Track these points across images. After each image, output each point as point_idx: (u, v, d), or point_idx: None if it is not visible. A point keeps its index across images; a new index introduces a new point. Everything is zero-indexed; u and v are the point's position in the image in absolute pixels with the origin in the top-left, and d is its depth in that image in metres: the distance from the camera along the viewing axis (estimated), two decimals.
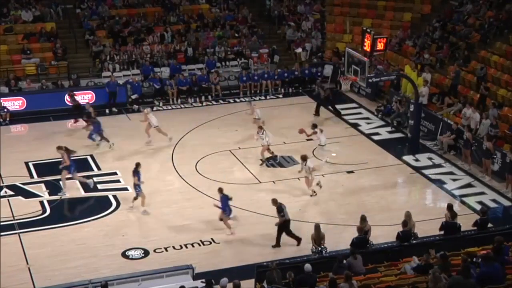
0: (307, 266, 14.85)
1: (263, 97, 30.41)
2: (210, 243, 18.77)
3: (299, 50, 33.30)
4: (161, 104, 29.37)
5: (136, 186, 20.32)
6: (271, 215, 19.12)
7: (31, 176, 22.74)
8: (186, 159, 23.95)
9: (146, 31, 33.24)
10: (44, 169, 23.00)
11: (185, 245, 18.64)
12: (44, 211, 20.57)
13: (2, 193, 21.47)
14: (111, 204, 21.02)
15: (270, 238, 18.67)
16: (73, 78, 30.49)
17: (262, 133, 23.50)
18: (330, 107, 28.75)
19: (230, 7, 35.82)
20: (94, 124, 24.94)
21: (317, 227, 17.69)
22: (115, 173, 22.91)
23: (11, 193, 21.50)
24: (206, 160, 23.81)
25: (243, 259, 17.89)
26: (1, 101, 27.71)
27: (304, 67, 32.34)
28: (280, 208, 18.47)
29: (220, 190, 19.18)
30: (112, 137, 25.36)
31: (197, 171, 23.11)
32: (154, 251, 18.44)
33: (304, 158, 21.34)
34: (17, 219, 20.00)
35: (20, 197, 21.30)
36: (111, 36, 32.71)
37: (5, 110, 27.50)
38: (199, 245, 18.75)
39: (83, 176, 21.85)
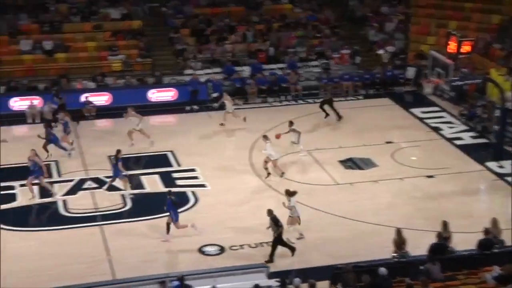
0: (382, 270, 14.65)
1: (342, 98, 30.19)
2: None
3: (382, 51, 32.89)
4: (241, 102, 29.63)
5: (120, 172, 21.23)
6: (349, 218, 18.92)
7: None
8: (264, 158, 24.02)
9: (228, 30, 33.60)
10: (126, 163, 23.58)
11: (261, 244, 18.73)
12: (125, 204, 21.10)
13: (86, 185, 22.15)
14: (189, 200, 21.37)
15: (346, 240, 18.53)
16: (156, 75, 31.16)
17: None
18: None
19: (313, 8, 35.73)
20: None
21: (398, 231, 17.35)
22: (193, 170, 23.27)
23: (95, 185, 22.16)
24: (284, 159, 23.82)
25: (318, 260, 17.81)
26: (88, 96, 28.62)
27: (386, 68, 31.91)
28: (276, 219, 17.89)
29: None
30: (191, 134, 25.77)
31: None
32: (230, 248, 18.61)
33: (290, 194, 18.89)
34: (99, 211, 20.62)
35: (103, 190, 21.88)
36: (194, 35, 33.23)
37: (92, 105, 28.39)
38: None
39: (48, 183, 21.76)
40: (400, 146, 24.95)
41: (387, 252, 17.24)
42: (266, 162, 22.52)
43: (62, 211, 20.60)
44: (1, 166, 23.05)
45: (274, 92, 30.47)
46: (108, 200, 21.19)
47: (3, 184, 21.71)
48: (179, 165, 23.83)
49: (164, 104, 29.33)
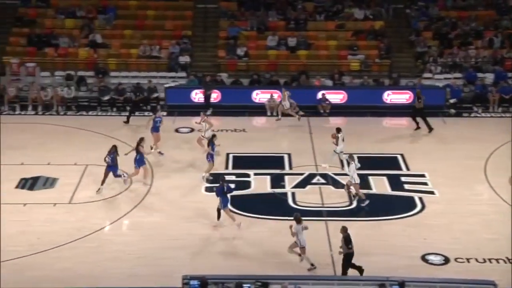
0: None
1: None
2: None
3: None
4: (480, 110, 28.31)
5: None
6: None
7: (343, 167, 23.65)
8: (501, 170, 22.79)
9: (474, 35, 32.27)
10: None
11: (489, 260, 17.82)
12: (351, 203, 21.30)
13: (315, 180, 22.71)
14: (415, 206, 20.97)
15: None
16: (393, 77, 30.93)
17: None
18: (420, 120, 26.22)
19: None
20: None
21: None
22: (423, 175, 22.79)
23: (323, 181, 22.62)
24: None
25: None
26: (324, 93, 29.25)
27: None
28: (349, 239, 16.84)
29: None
30: (424, 139, 25.19)
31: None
32: (455, 260, 17.95)
33: (298, 221, 17.51)
34: (325, 207, 21.02)
35: (330, 187, 22.26)
36: (437, 38, 32.42)
37: (327, 102, 28.99)
38: (505, 261, 17.78)
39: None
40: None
41: None
42: (348, 186, 21.08)
43: (290, 202, 21.34)
44: (240, 155, 24.46)
45: None
46: (335, 197, 21.51)
47: (240, 171, 23.07)
48: (408, 169, 23.46)
49: (398, 107, 29.04)
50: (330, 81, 30.89)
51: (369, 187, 22.02)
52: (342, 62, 31.83)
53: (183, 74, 31.04)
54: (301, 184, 22.37)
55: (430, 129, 26.28)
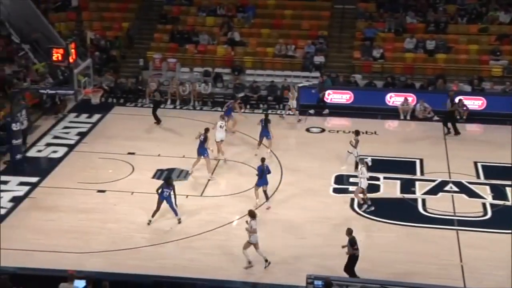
0: None
1: None
2: None
3: None
4: None
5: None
6: None
7: (478, 176, 22.80)
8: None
9: None
10: (492, 172, 22.85)
11: None
12: (485, 213, 20.47)
13: (448, 187, 22.05)
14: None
15: None
16: None
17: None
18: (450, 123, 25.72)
19: None
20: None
21: None
22: None
23: (456, 189, 21.91)
24: None
25: None
26: (462, 98, 28.27)
27: None
28: (354, 241, 16.56)
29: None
30: None
31: None
32: None
33: (252, 216, 17.42)
34: (457, 216, 20.35)
35: (463, 195, 21.55)
36: None
37: (465, 108, 28.01)
38: None
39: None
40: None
41: None
42: (363, 192, 20.34)
43: (420, 208, 20.85)
44: (373, 157, 24.20)
45: None
46: (468, 206, 20.79)
47: (370, 174, 22.82)
48: None
49: None
50: (468, 87, 29.84)
51: (506, 198, 21.18)
52: (482, 67, 30.69)
53: (317, 74, 31.11)
54: (433, 191, 21.82)
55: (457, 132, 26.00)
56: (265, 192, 20.57)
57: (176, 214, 19.53)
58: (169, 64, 31.84)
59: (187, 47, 32.79)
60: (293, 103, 27.66)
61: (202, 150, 22.26)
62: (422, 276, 17.03)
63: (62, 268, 16.65)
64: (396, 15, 33.27)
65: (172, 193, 19.31)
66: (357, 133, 23.10)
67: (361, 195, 20.65)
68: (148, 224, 19.40)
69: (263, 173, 20.39)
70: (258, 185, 20.46)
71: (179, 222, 19.53)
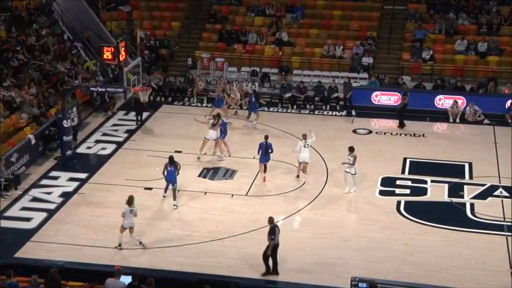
0: None
1: None
2: None
3: None
4: None
5: None
6: None
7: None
8: None
9: None
10: None
11: None
12: None
13: (497, 192, 21.65)
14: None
15: None
16: None
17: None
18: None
19: None
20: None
21: None
22: None
23: (506, 194, 21.51)
24: None
25: None
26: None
27: None
28: (273, 231, 16.71)
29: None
30: None
31: None
32: None
33: (129, 201, 18.01)
34: (507, 221, 19.95)
35: None
36: None
37: None
38: None
39: None
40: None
41: None
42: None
43: (468, 213, 20.51)
44: (418, 160, 23.93)
45: None
46: None
47: (417, 177, 22.58)
48: None
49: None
50: None
51: None
52: None
53: (365, 75, 30.88)
54: (482, 196, 21.45)
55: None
56: (264, 166, 21.82)
57: (165, 191, 20.56)
58: (217, 63, 32.03)
59: (235, 46, 32.94)
60: (236, 95, 28.10)
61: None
62: (469, 282, 16.74)
63: (109, 264, 16.93)
64: (447, 16, 32.80)
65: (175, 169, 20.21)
66: (351, 149, 21.12)
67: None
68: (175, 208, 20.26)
69: (266, 150, 21.46)
70: (261, 161, 21.70)
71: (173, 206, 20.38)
